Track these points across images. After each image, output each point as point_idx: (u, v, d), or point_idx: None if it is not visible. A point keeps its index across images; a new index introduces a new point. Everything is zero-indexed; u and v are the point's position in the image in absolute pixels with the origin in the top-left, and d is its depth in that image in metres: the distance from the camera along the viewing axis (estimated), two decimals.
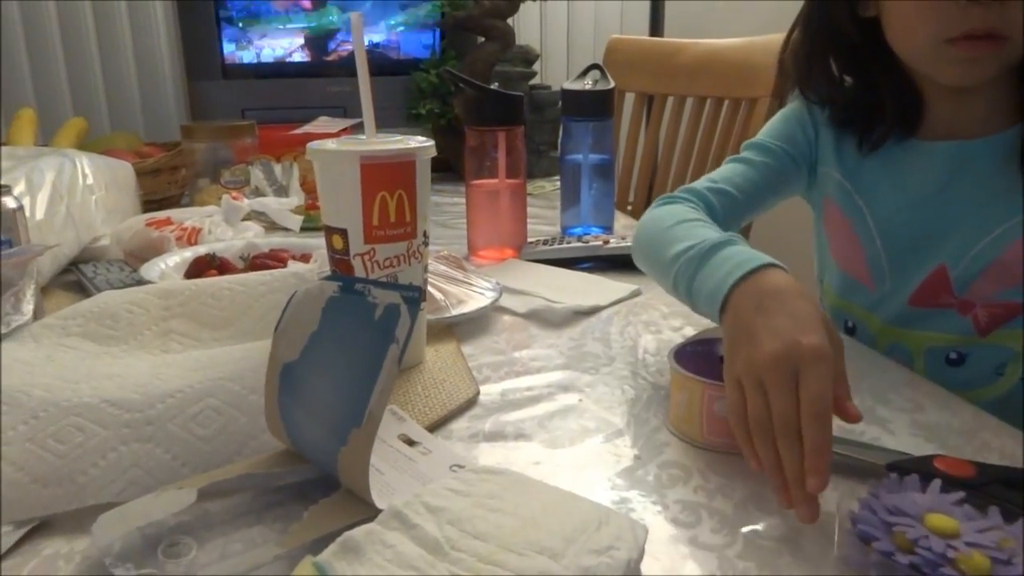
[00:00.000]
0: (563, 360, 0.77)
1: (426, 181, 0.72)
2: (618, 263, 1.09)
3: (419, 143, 0.70)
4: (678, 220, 0.76)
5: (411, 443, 0.58)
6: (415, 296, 0.50)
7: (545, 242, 1.15)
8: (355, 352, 0.51)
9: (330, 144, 0.71)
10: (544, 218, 1.44)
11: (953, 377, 0.84)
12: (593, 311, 0.91)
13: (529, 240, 1.17)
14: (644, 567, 0.46)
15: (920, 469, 0.52)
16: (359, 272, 0.70)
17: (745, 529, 0.50)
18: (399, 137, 0.72)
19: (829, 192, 0.91)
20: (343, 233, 0.70)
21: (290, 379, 0.53)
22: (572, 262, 1.10)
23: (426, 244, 0.73)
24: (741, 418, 0.53)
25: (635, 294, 0.97)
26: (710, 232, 0.70)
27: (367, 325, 0.51)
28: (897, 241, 0.85)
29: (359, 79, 0.71)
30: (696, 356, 0.63)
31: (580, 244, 1.11)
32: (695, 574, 0.46)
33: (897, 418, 0.65)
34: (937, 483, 0.49)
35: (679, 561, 0.47)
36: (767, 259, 0.61)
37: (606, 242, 1.11)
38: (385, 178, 0.68)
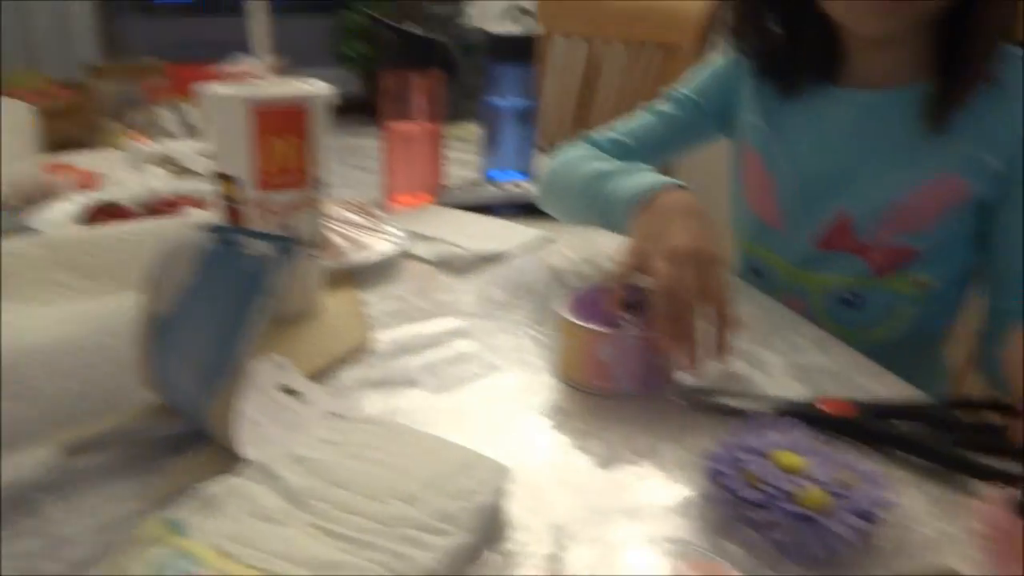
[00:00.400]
0: (464, 307, 0.78)
1: (323, 128, 0.70)
2: (534, 209, 1.09)
3: (314, 88, 0.69)
4: (589, 156, 0.87)
5: (292, 393, 0.58)
6: (289, 246, 0.50)
7: (462, 187, 1.14)
8: (227, 303, 0.50)
9: (220, 87, 0.68)
10: (470, 163, 1.43)
11: (850, 318, 0.88)
12: (499, 256, 0.91)
13: (446, 185, 1.16)
14: (514, 506, 0.47)
15: (805, 411, 0.55)
16: (251, 220, 0.68)
17: (618, 472, 0.52)
18: (295, 81, 0.70)
19: (748, 137, 0.93)
20: (234, 180, 0.68)
21: (162, 331, 0.53)
22: (490, 208, 1.10)
23: (322, 192, 0.72)
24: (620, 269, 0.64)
25: (546, 240, 0.97)
26: (624, 164, 0.83)
27: (239, 276, 0.50)
28: (808, 183, 0.87)
29: (253, 17, 0.69)
30: (584, 305, 0.64)
31: (495, 190, 1.11)
32: (564, 515, 0.47)
33: (777, 360, 0.67)
34: (794, 422, 0.52)
35: (547, 502, 0.48)
36: (673, 181, 0.74)
37: (519, 186, 1.10)
38: (276, 124, 0.67)
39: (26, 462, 0.48)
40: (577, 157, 0.90)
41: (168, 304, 0.53)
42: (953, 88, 0.76)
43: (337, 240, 0.86)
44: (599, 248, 0.96)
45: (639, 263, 0.64)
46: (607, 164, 0.85)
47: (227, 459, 0.48)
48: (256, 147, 0.66)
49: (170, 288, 0.53)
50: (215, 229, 0.54)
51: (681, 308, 0.59)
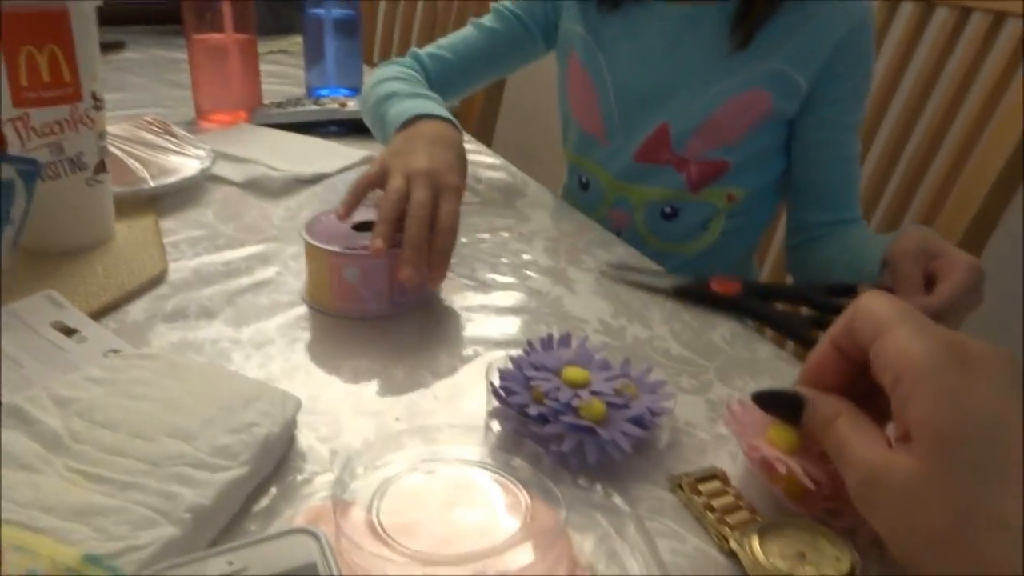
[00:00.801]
0: (273, 232, 0.74)
1: (90, 34, 0.63)
2: (361, 127, 1.05)
3: None
4: (395, 76, 0.88)
5: (69, 332, 0.54)
6: (31, 170, 0.45)
7: (280, 104, 1.08)
8: None
9: None
10: (293, 78, 1.35)
11: (668, 230, 0.92)
12: (317, 179, 0.88)
13: (263, 103, 1.09)
14: (309, 437, 0.46)
15: (699, 289, 0.65)
16: (12, 140, 0.61)
17: (412, 395, 0.52)
18: None
19: (574, 47, 0.93)
20: None
21: None
22: (312, 126, 1.05)
23: (98, 108, 0.65)
24: (370, 185, 0.65)
25: (367, 161, 0.94)
26: (417, 88, 0.87)
27: None
28: (629, 96, 0.89)
29: None
30: (329, 227, 0.62)
31: (315, 107, 1.05)
32: (357, 442, 0.46)
33: (583, 277, 0.69)
34: (584, 338, 0.53)
35: (340, 430, 0.48)
36: (440, 112, 0.78)
37: (344, 104, 1.06)
38: (29, 31, 0.59)
39: None
40: (386, 75, 0.89)
41: None
42: (755, 5, 0.79)
43: (132, 163, 0.79)
44: None
45: (379, 178, 0.65)
46: (401, 86, 0.86)
47: None
48: (7, 57, 0.59)
49: None
50: None
51: (405, 221, 0.60)
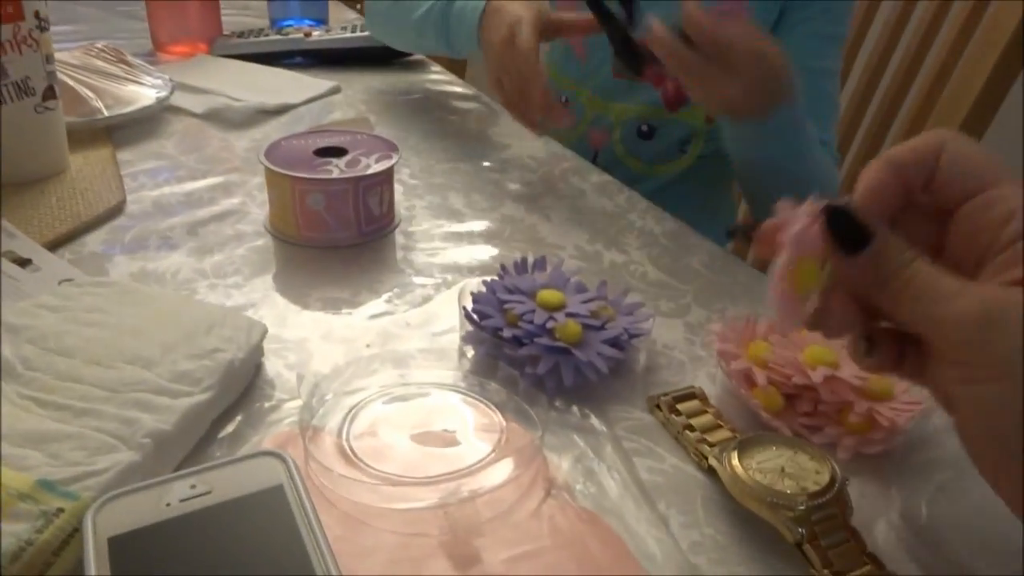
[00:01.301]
0: (236, 163, 0.71)
1: None
2: (326, 58, 1.01)
3: None
4: None
5: (22, 263, 0.51)
6: None
7: (241, 35, 1.03)
8: None
9: None
10: (256, 9, 1.29)
11: (645, 149, 0.89)
12: (282, 110, 0.84)
13: (224, 33, 1.04)
14: (271, 361, 0.45)
15: None
16: None
17: (380, 321, 0.50)
18: None
19: None
20: None
21: None
22: (274, 58, 1.00)
23: (43, 29, 0.61)
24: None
25: (333, 91, 0.91)
26: None
27: None
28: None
29: None
30: (291, 151, 0.59)
31: (279, 37, 1.01)
32: (326, 368, 0.45)
33: (558, 204, 0.67)
34: (559, 261, 0.52)
35: (309, 357, 0.46)
36: None
37: (308, 34, 1.01)
38: None
39: None
40: None
41: None
42: None
43: (84, 92, 0.75)
44: (388, 97, 0.91)
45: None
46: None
47: None
48: None
49: None
50: None
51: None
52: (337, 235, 0.58)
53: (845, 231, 0.31)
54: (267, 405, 0.42)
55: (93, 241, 0.57)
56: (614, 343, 0.45)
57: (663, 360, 0.48)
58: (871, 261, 0.30)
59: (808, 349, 0.44)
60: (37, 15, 0.60)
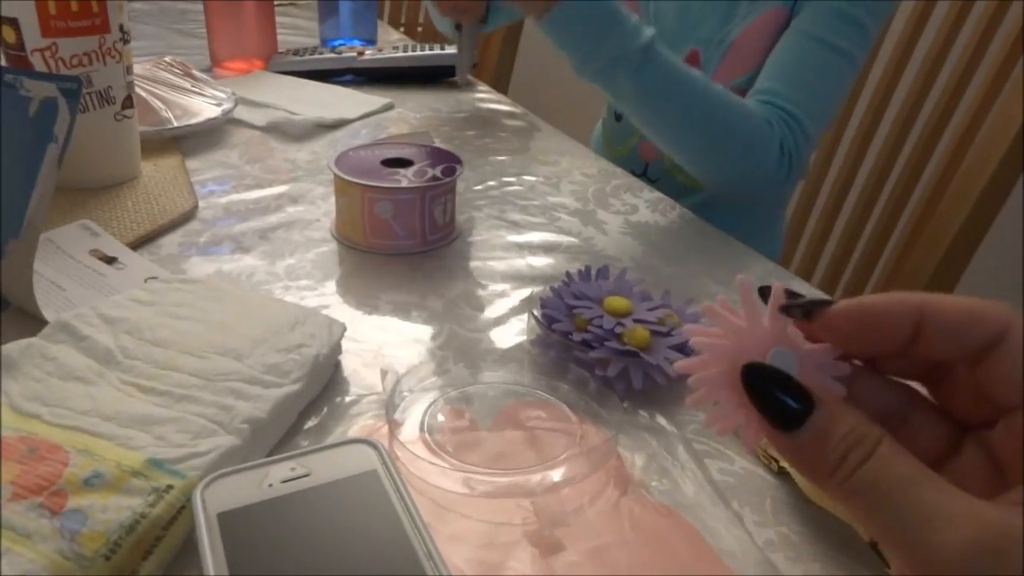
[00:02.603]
0: (298, 173, 0.74)
1: None
2: (377, 76, 1.04)
3: None
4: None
5: (108, 260, 0.54)
6: (74, 88, 0.44)
7: (296, 52, 1.06)
8: (8, 153, 0.44)
9: None
10: (306, 29, 1.33)
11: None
12: (339, 124, 0.87)
13: (279, 51, 1.08)
14: (348, 359, 0.46)
15: None
16: (40, 71, 0.60)
17: (452, 324, 0.52)
18: None
19: None
20: (14, 23, 0.59)
21: None
22: (326, 75, 1.03)
23: (125, 41, 0.64)
24: None
25: (387, 107, 0.94)
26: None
27: (20, 122, 0.44)
28: (664, 21, 0.88)
29: None
30: (359, 161, 0.61)
31: (333, 55, 1.04)
32: (402, 367, 0.46)
33: (613, 219, 0.69)
34: (623, 271, 0.53)
35: (385, 356, 0.48)
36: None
37: (361, 53, 1.04)
38: None
39: None
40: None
41: None
42: None
43: (155, 103, 0.78)
44: (440, 114, 0.94)
45: None
46: None
47: (27, 322, 0.44)
48: None
49: None
50: None
51: None
52: (403, 243, 0.60)
53: (773, 399, 0.24)
54: (347, 400, 0.44)
55: (169, 244, 0.59)
56: (680, 349, 0.46)
57: None
58: (814, 442, 0.23)
59: None
60: (121, 28, 0.63)
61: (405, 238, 0.60)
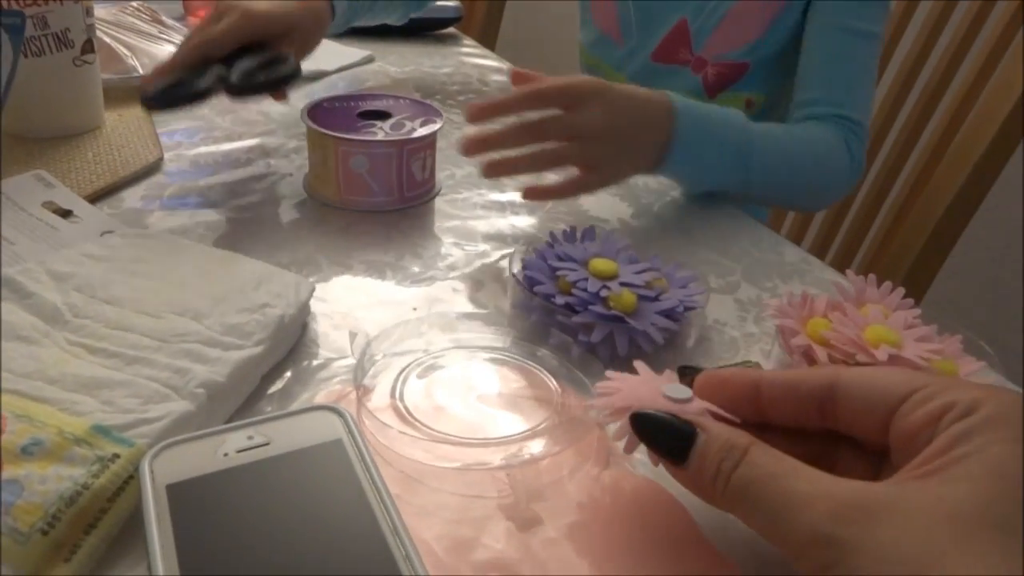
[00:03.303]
0: (272, 126, 0.70)
1: None
2: (358, 30, 1.00)
3: None
4: None
5: (63, 213, 0.50)
6: (18, 23, 0.41)
7: None
8: None
9: None
10: None
11: None
12: (316, 76, 0.83)
13: None
14: (317, 321, 0.44)
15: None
16: None
17: (430, 287, 0.49)
18: None
19: None
20: None
21: None
22: None
23: None
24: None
25: (367, 60, 0.90)
26: None
27: None
28: None
29: None
30: (334, 113, 0.58)
31: None
32: (373, 330, 0.44)
33: None
34: (610, 233, 0.51)
35: (355, 318, 0.45)
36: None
37: None
38: None
39: None
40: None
41: None
42: None
43: (120, 50, 0.74)
44: (422, 68, 0.90)
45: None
46: None
47: None
48: None
49: None
50: None
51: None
52: (379, 199, 0.57)
53: (661, 437, 0.29)
54: (315, 363, 0.41)
55: (131, 197, 0.56)
56: (668, 315, 0.44)
57: (715, 335, 0.47)
58: (699, 464, 0.27)
59: (869, 328, 0.42)
60: None
61: (381, 194, 0.57)
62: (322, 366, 0.41)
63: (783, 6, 0.78)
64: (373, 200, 0.57)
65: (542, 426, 0.37)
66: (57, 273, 0.40)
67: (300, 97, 0.78)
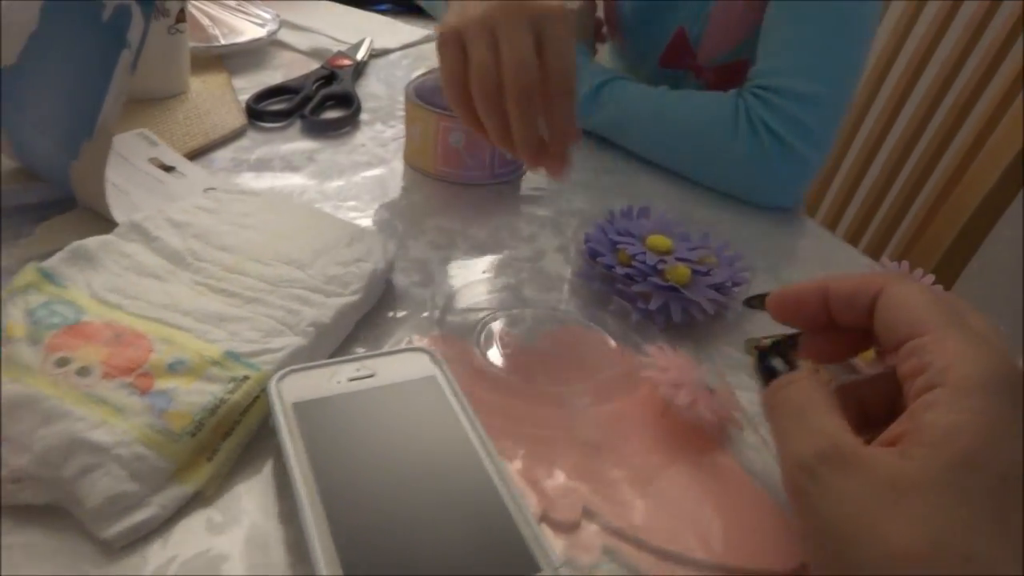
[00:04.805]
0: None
1: None
2: (414, 6, 1.04)
3: None
4: None
5: (166, 168, 0.55)
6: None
7: None
8: (82, 57, 0.46)
9: None
10: None
11: None
12: (380, 54, 0.87)
13: None
14: (398, 277, 0.49)
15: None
16: None
17: (499, 255, 0.54)
18: None
19: None
20: None
21: (10, 86, 0.47)
22: (364, 2, 1.03)
23: None
24: (455, 78, 0.46)
25: (428, 39, 0.94)
26: None
27: (94, 27, 0.45)
28: (643, 2, 0.82)
29: None
30: (435, 91, 0.62)
31: None
32: (452, 287, 0.49)
33: (649, 165, 0.70)
34: (663, 212, 0.55)
35: (432, 273, 0.50)
36: None
37: None
38: None
39: None
40: None
41: (12, 55, 0.47)
42: None
43: (203, 20, 0.78)
44: None
45: (459, 62, 0.47)
46: None
47: (97, 223, 0.46)
48: None
49: (13, 36, 0.47)
50: None
51: (487, 99, 0.46)
52: (471, 173, 0.61)
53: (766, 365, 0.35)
54: (399, 315, 0.46)
55: (221, 159, 0.61)
56: (719, 288, 0.48)
57: (759, 312, 0.51)
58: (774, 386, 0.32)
59: None
60: None
61: (474, 169, 0.61)
62: (405, 318, 0.46)
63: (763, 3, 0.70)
64: (466, 174, 0.61)
65: (603, 376, 0.42)
66: (176, 221, 0.45)
67: (368, 72, 0.82)
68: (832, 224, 1.11)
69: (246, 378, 0.35)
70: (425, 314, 0.46)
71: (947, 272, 0.89)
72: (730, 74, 0.79)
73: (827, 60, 0.65)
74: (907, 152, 1.03)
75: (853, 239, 1.07)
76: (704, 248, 0.51)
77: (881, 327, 0.31)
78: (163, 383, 0.34)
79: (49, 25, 0.47)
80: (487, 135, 0.48)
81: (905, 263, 0.52)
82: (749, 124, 0.64)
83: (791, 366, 0.34)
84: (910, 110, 1.04)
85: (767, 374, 0.34)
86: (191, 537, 0.31)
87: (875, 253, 1.03)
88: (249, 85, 0.74)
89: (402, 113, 0.73)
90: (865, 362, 0.45)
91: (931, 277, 0.50)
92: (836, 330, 0.33)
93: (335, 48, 0.85)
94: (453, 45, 0.46)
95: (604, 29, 0.93)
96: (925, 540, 0.24)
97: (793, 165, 0.64)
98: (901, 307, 0.30)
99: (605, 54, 1.00)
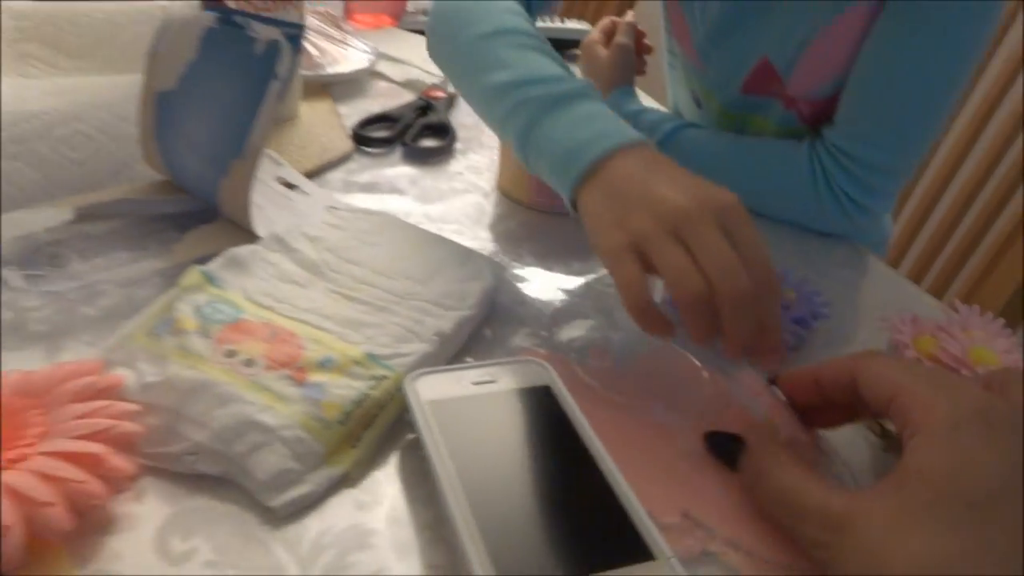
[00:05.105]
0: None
1: None
2: None
3: None
4: (497, 29, 0.58)
5: (290, 186, 0.61)
6: (297, 33, 0.51)
7: (426, 13, 1.12)
8: (235, 85, 0.51)
9: None
10: None
11: None
12: None
13: (409, 11, 1.14)
14: (501, 295, 0.53)
15: None
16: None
17: (590, 277, 0.58)
18: None
19: None
20: None
21: (166, 108, 0.53)
22: None
23: None
24: (638, 290, 0.43)
25: None
26: (550, 66, 0.54)
27: (248, 59, 0.51)
28: (719, 27, 0.79)
29: None
30: None
31: None
32: (548, 299, 0.53)
33: None
34: None
35: (530, 294, 0.54)
36: (637, 135, 0.48)
37: None
38: None
39: (38, 218, 0.49)
40: (476, 26, 0.59)
41: (172, 81, 0.53)
42: None
43: (312, 49, 0.85)
44: None
45: (639, 272, 0.43)
46: (515, 56, 0.55)
47: (239, 233, 0.51)
48: None
49: (174, 64, 0.53)
50: (216, 10, 0.54)
51: (698, 308, 0.42)
52: (564, 204, 0.65)
53: (724, 449, 0.41)
54: (507, 330, 0.50)
55: (333, 180, 0.66)
56: (799, 322, 0.52)
57: (837, 345, 0.55)
58: (748, 464, 0.38)
59: (973, 349, 0.49)
60: None
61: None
62: (512, 333, 0.50)
63: (864, 35, 0.69)
64: (558, 203, 0.64)
65: (696, 395, 0.45)
66: (310, 236, 0.50)
67: (461, 104, 0.87)
68: (895, 262, 1.13)
69: (385, 377, 0.40)
70: (526, 330, 0.50)
71: (1013, 315, 0.90)
72: (829, 107, 0.75)
73: (910, 134, 0.67)
74: (976, 190, 1.06)
75: (916, 277, 1.09)
76: (784, 284, 0.55)
77: (868, 397, 0.37)
78: (315, 377, 0.39)
79: (206, 56, 0.53)
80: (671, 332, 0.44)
81: (976, 307, 0.54)
82: (829, 190, 0.69)
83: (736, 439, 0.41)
84: (978, 153, 1.07)
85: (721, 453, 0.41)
86: (342, 512, 0.36)
87: (938, 292, 1.05)
88: (350, 112, 0.80)
89: (490, 142, 0.78)
90: None
91: (1001, 321, 0.52)
92: (833, 405, 0.41)
93: (428, 80, 0.91)
94: (628, 256, 0.43)
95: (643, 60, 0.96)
96: (926, 572, 0.29)
97: (870, 222, 0.70)
98: (877, 378, 0.36)
99: (663, 71, 0.99)
